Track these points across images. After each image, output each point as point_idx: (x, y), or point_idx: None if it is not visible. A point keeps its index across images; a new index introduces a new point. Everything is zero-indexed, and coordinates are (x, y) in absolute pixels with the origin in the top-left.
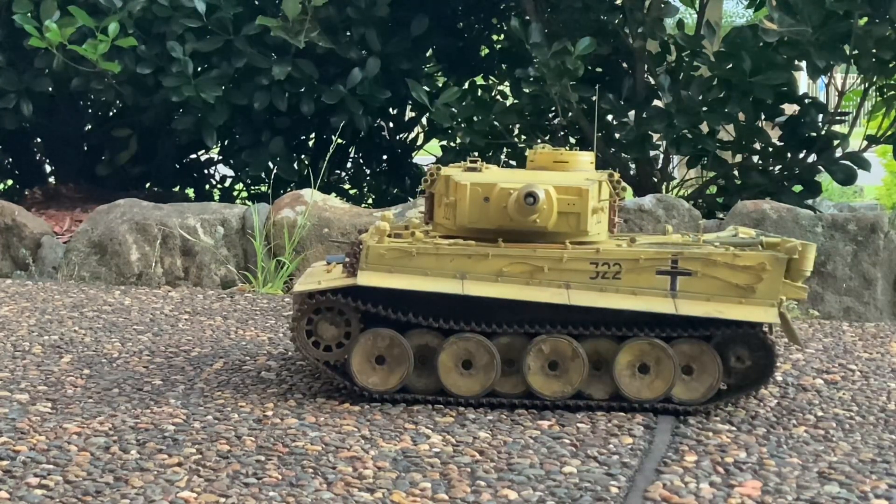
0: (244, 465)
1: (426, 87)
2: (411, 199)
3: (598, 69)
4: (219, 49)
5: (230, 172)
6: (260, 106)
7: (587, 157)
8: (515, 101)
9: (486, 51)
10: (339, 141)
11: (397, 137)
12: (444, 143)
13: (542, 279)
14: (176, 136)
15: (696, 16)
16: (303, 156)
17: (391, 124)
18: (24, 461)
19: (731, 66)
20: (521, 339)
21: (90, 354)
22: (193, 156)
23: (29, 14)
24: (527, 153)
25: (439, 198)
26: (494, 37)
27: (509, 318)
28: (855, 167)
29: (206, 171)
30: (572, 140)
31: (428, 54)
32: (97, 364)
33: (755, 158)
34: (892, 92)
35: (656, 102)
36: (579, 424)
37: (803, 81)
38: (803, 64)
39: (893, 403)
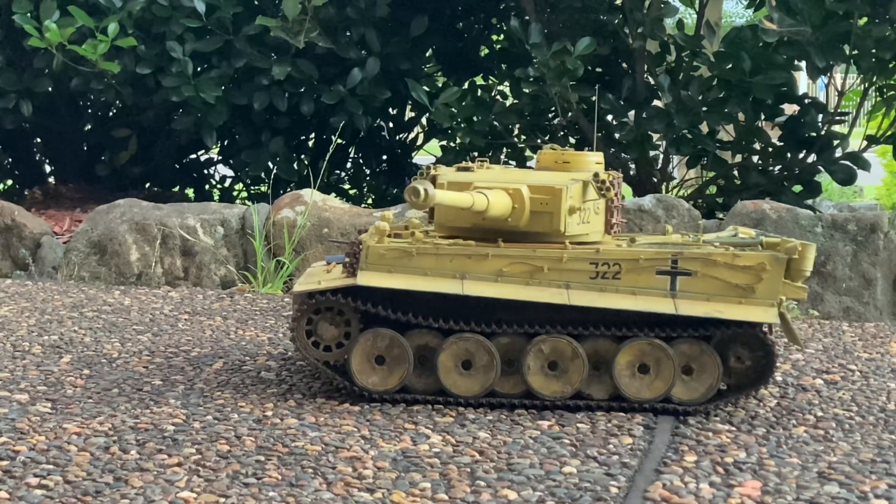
0: (244, 465)
1: (426, 87)
2: None
3: (598, 69)
4: (219, 49)
5: (230, 172)
6: (260, 106)
7: (594, 158)
8: (515, 101)
9: (486, 51)
10: (339, 141)
11: (397, 137)
12: (444, 143)
13: (542, 279)
14: (176, 136)
15: (695, 16)
16: (303, 156)
17: (391, 124)
18: (24, 461)
19: (730, 66)
20: (520, 339)
21: (90, 354)
22: (193, 156)
23: (29, 14)
24: (537, 154)
25: None
26: (494, 37)
27: (509, 318)
28: (855, 167)
29: (205, 171)
30: (572, 140)
31: (428, 54)
32: (97, 364)
33: (755, 158)
34: (892, 92)
35: (656, 102)
36: (579, 424)
37: (803, 81)
38: (803, 64)
39: (893, 403)
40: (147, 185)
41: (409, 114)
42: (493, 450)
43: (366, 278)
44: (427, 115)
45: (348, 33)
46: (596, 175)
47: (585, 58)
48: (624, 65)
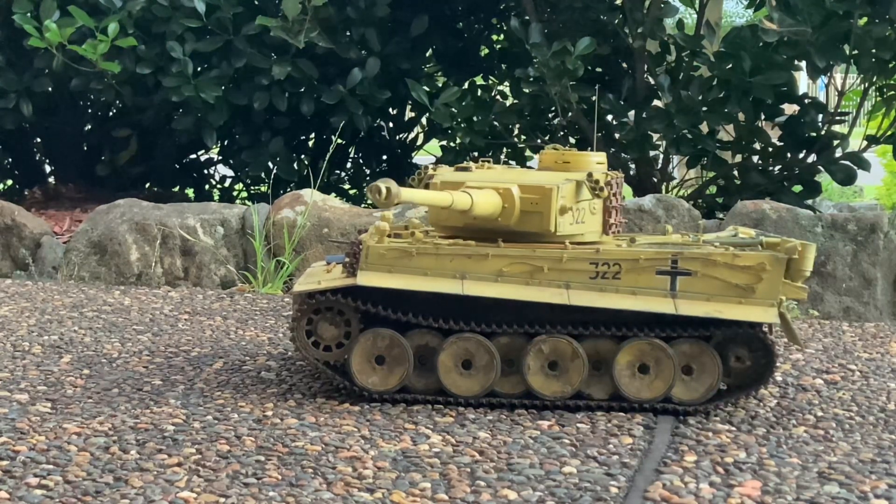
0: (244, 465)
1: (426, 87)
2: None
3: (598, 69)
4: (219, 49)
5: (230, 172)
6: (260, 106)
7: (595, 158)
8: (515, 101)
9: (486, 51)
10: (339, 141)
11: (397, 137)
12: (444, 143)
13: (542, 279)
14: (176, 136)
15: (696, 16)
16: (303, 156)
17: (391, 124)
18: (24, 461)
19: (731, 66)
20: (520, 339)
21: (90, 354)
22: (193, 156)
23: (29, 14)
24: (539, 154)
25: None
26: (494, 37)
27: (509, 318)
28: (855, 167)
29: (205, 171)
30: (572, 140)
31: (428, 54)
32: (97, 364)
33: (755, 158)
34: (892, 92)
35: (656, 102)
36: (579, 424)
37: (803, 81)
38: (803, 64)
39: (893, 403)
40: (147, 185)
41: (409, 114)
42: (493, 450)
43: (366, 278)
44: (427, 115)
45: (348, 33)
46: (590, 175)
47: (585, 58)
48: (624, 65)
